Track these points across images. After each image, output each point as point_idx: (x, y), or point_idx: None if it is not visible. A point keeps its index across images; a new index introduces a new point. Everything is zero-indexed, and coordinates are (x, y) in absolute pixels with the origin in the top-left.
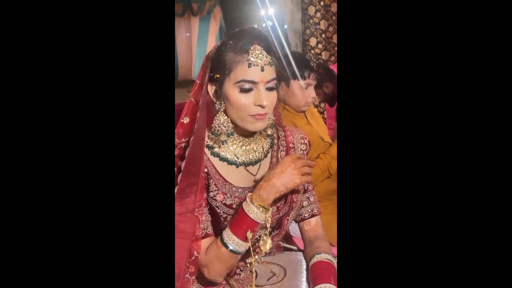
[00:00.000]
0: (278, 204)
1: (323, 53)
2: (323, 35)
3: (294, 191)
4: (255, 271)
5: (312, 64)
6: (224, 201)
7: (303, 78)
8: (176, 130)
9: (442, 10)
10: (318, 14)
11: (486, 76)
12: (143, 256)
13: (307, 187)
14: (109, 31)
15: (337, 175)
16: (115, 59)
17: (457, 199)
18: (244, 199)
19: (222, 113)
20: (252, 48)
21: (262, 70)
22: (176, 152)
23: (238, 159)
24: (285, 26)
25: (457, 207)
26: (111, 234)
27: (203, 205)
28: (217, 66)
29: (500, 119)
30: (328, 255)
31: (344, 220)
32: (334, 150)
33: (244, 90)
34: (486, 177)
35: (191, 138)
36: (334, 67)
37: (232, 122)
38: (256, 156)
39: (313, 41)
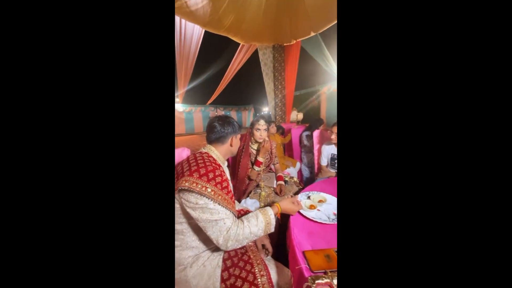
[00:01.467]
0: (269, 159)
1: (280, 120)
2: (283, 117)
3: (272, 153)
4: (262, 176)
5: (273, 121)
6: (254, 161)
7: (270, 124)
8: (240, 141)
9: (441, 13)
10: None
11: (480, 78)
12: (145, 250)
13: (276, 156)
14: (111, 32)
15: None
16: (118, 61)
17: (452, 201)
18: (256, 156)
19: (252, 136)
20: (260, 119)
21: (262, 125)
22: (240, 147)
23: (257, 148)
24: (270, 112)
25: (452, 208)
26: (110, 231)
27: (249, 161)
28: (252, 126)
29: (492, 120)
30: (282, 174)
31: (344, 220)
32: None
33: (256, 131)
34: (484, 178)
35: (245, 143)
36: (283, 125)
37: (253, 139)
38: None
39: (277, 119)
